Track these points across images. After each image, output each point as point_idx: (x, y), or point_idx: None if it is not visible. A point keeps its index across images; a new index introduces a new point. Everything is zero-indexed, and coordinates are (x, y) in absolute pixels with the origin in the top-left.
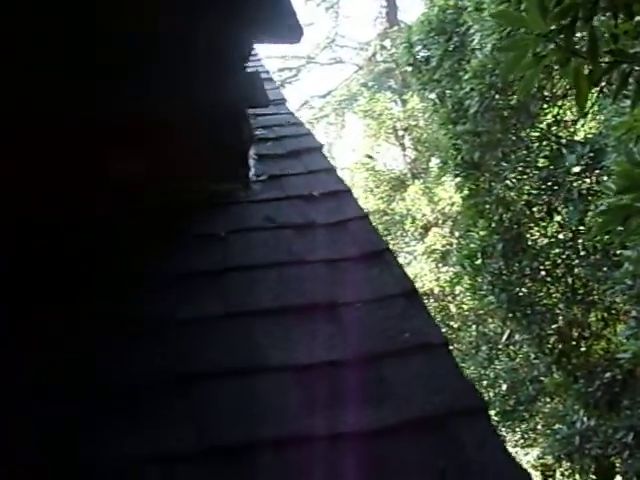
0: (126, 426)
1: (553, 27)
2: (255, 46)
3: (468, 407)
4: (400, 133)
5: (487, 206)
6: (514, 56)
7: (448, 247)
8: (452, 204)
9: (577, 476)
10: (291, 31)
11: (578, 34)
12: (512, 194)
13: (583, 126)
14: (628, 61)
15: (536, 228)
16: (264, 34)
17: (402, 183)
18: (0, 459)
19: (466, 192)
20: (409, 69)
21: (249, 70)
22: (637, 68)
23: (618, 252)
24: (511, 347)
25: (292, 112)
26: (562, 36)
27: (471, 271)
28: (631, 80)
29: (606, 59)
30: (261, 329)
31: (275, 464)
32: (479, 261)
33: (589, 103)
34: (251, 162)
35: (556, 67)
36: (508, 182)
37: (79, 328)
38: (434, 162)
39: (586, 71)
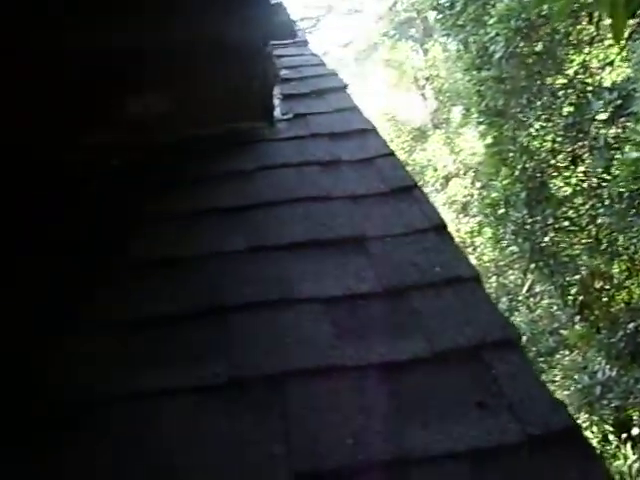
0: (159, 356)
1: None
2: None
3: (500, 339)
4: (421, 83)
5: (510, 154)
6: None
7: (469, 198)
8: (473, 154)
9: (594, 428)
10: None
11: None
12: (536, 142)
13: (610, 73)
14: None
15: (560, 177)
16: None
17: (423, 133)
18: None
19: (489, 140)
20: (432, 14)
21: (272, 1)
22: None
23: None
24: (531, 299)
25: (315, 53)
26: None
27: (493, 220)
28: None
29: None
30: (289, 262)
31: (306, 395)
32: (502, 210)
33: (616, 49)
34: (276, 101)
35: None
36: (532, 130)
37: (110, 265)
38: (455, 112)
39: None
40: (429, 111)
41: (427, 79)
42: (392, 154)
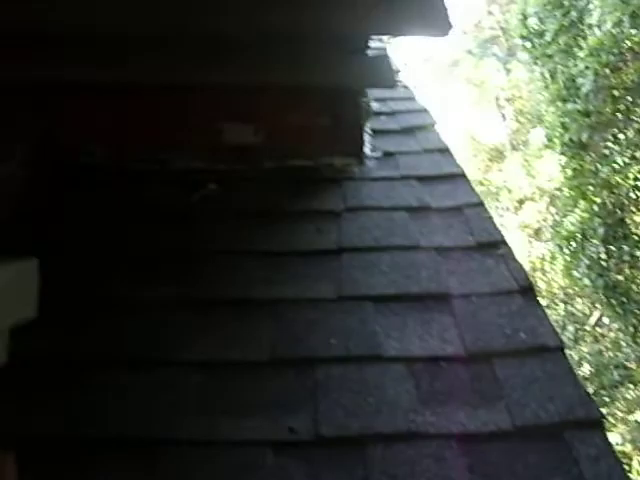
0: (238, 404)
1: None
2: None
3: (584, 418)
4: (502, 103)
5: (590, 188)
6: None
7: (542, 223)
8: (550, 179)
9: None
10: (439, 25)
11: None
12: (618, 177)
13: None
14: None
15: None
16: (409, 28)
17: (500, 154)
18: None
19: (570, 172)
20: (521, 41)
21: (375, 53)
22: None
23: None
24: (598, 329)
25: (406, 85)
26: None
27: (568, 252)
28: None
29: None
30: (375, 316)
31: (386, 460)
32: (577, 243)
33: None
34: (366, 137)
35: None
36: (615, 165)
37: (186, 300)
38: (535, 135)
39: None
40: (508, 132)
41: (508, 99)
42: (481, 204)
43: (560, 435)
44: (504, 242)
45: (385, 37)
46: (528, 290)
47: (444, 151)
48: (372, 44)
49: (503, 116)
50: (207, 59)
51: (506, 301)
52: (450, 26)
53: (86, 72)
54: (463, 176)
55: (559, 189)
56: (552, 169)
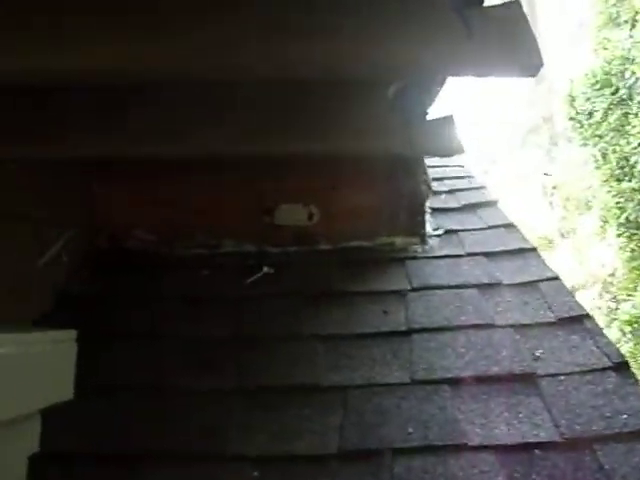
0: None
1: None
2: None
3: None
4: (549, 191)
5: None
6: None
7: (596, 310)
8: (603, 265)
9: None
10: (529, 63)
11: None
12: None
13: None
14: None
15: None
16: (496, 65)
17: (549, 242)
18: None
19: (628, 254)
20: (569, 123)
21: (439, 116)
22: None
23: None
24: None
25: (463, 164)
26: None
27: (632, 337)
28: None
29: None
30: (454, 401)
31: None
32: None
33: None
34: (427, 215)
35: None
36: None
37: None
38: (582, 221)
39: None
40: (556, 219)
41: (554, 187)
42: (557, 278)
43: None
44: (588, 316)
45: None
46: (623, 366)
47: (510, 227)
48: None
49: (551, 204)
50: (256, 130)
51: (600, 380)
52: (542, 62)
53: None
54: (534, 250)
55: (612, 275)
56: (604, 255)
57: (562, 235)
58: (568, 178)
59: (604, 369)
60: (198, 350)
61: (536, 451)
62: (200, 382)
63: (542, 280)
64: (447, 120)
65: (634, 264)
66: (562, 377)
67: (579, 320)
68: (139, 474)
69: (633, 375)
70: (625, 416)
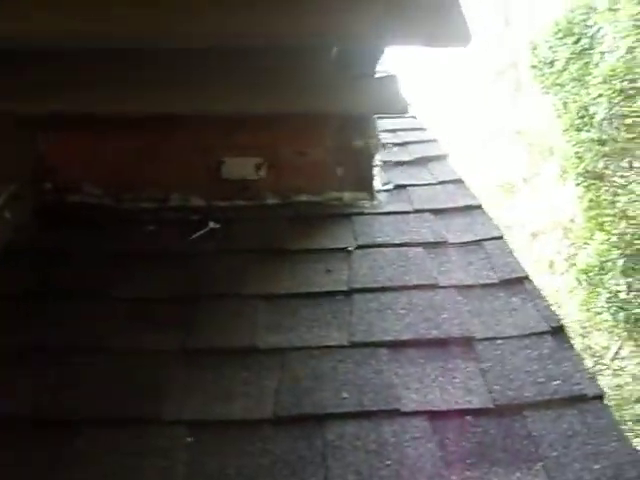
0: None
1: None
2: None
3: (637, 478)
4: (512, 136)
5: (607, 219)
6: None
7: (557, 255)
8: (563, 211)
9: None
10: (459, 35)
11: None
12: (636, 208)
13: None
14: None
15: None
16: (426, 37)
17: (511, 187)
18: None
19: (586, 204)
20: (530, 72)
21: (385, 74)
22: None
23: None
24: (617, 363)
25: (415, 116)
26: None
27: (586, 286)
28: None
29: None
30: (391, 364)
31: None
32: (595, 276)
33: None
34: (376, 170)
35: None
36: (633, 194)
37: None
38: (546, 167)
39: None
40: (519, 165)
41: (518, 132)
42: (501, 237)
43: None
44: (528, 278)
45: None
46: (560, 331)
47: (458, 182)
48: (380, 68)
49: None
50: (206, 88)
51: (536, 344)
52: (470, 36)
53: (83, 104)
54: (480, 207)
55: (572, 221)
56: (565, 201)
57: (525, 180)
58: (531, 124)
59: (541, 333)
60: (141, 309)
61: (468, 417)
62: (142, 343)
63: (487, 239)
64: (391, 79)
65: (591, 213)
66: (500, 341)
67: (520, 282)
68: (74, 438)
69: (569, 340)
70: (557, 382)
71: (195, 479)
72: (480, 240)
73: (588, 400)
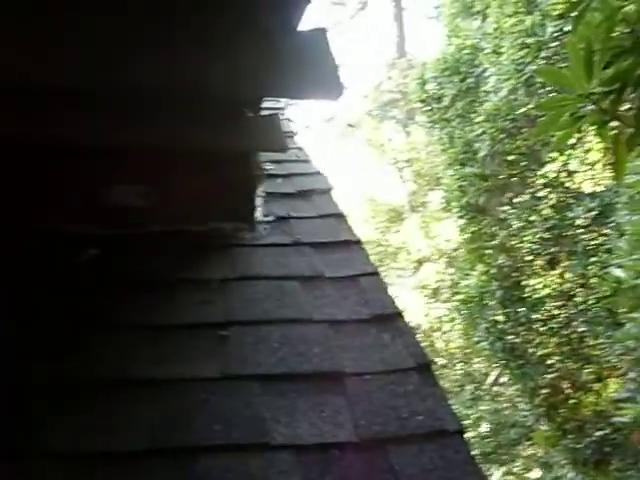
0: None
1: (597, 89)
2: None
3: None
4: (401, 165)
5: (488, 251)
6: (552, 115)
7: (441, 283)
8: (448, 241)
9: None
10: (331, 90)
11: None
12: (515, 241)
13: (592, 178)
14: None
15: (537, 278)
16: (301, 91)
17: (399, 215)
18: None
19: (468, 236)
20: (420, 105)
21: (266, 113)
22: None
23: (620, 311)
24: (495, 389)
25: (302, 147)
26: (610, 100)
27: (466, 316)
28: None
29: None
30: (263, 398)
31: None
32: (475, 306)
33: (596, 156)
34: (258, 201)
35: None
36: (512, 229)
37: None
38: (433, 196)
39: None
40: (407, 193)
41: (407, 161)
42: (376, 273)
43: None
44: (400, 315)
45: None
46: (425, 368)
47: (340, 217)
48: (268, 105)
49: (402, 178)
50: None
51: (402, 380)
52: (342, 90)
53: None
54: (358, 243)
55: (456, 250)
56: (450, 231)
57: (412, 209)
58: (420, 154)
59: (408, 370)
60: (10, 340)
61: (334, 451)
62: (8, 373)
63: (363, 275)
64: (273, 118)
65: (473, 245)
66: (368, 376)
67: (391, 318)
68: None
69: (434, 377)
70: (420, 417)
71: None
72: (356, 275)
73: (448, 435)
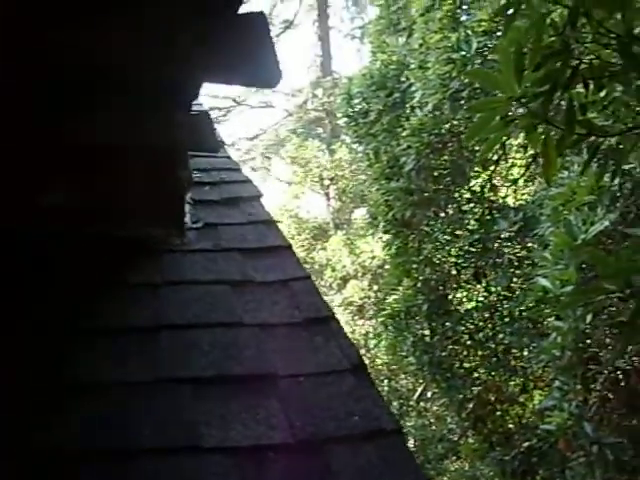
0: None
1: (528, 91)
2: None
3: None
4: (326, 182)
5: (414, 265)
6: (483, 117)
7: (366, 300)
8: (373, 257)
9: None
10: (269, 76)
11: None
12: (440, 255)
13: (515, 192)
14: (597, 134)
15: (462, 291)
16: (240, 78)
17: (324, 233)
18: None
19: (394, 250)
20: (345, 121)
21: (197, 111)
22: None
23: (546, 322)
24: (422, 404)
25: (229, 156)
26: (539, 102)
27: (392, 330)
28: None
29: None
30: (194, 401)
31: None
32: (402, 320)
33: (519, 171)
34: (186, 207)
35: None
36: (438, 242)
37: None
38: (357, 214)
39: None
40: (331, 211)
41: (332, 179)
42: (308, 277)
43: None
44: (333, 318)
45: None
46: (360, 369)
47: (269, 223)
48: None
49: (327, 195)
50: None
51: (337, 381)
52: (280, 77)
53: None
54: (289, 248)
55: (381, 267)
56: (375, 247)
57: (336, 226)
58: (345, 172)
59: (342, 371)
60: None
61: (269, 453)
62: None
63: (294, 279)
64: (206, 116)
65: (399, 260)
66: (301, 378)
67: (324, 321)
68: None
69: (369, 378)
70: (357, 418)
71: None
72: (287, 280)
73: (386, 434)
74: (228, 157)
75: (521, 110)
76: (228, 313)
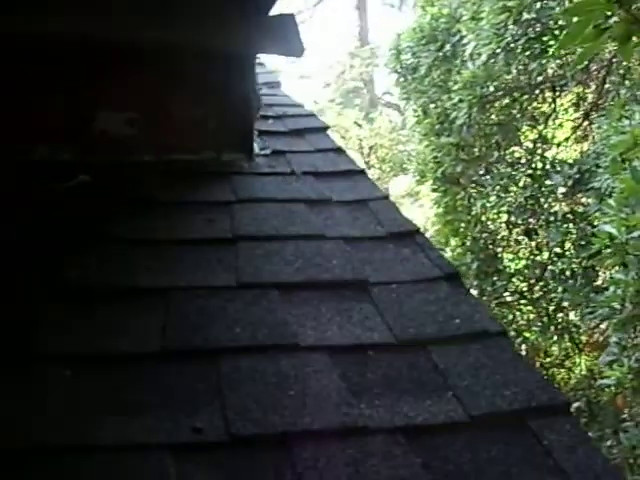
0: (126, 403)
1: None
2: None
3: (548, 404)
4: (365, 151)
5: (462, 224)
6: (579, 22)
7: None
8: (420, 216)
9: None
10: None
11: None
12: (491, 214)
13: (567, 148)
14: None
15: (512, 249)
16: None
17: None
18: None
19: (442, 209)
20: (394, 76)
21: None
22: None
23: (601, 276)
24: None
25: (288, 95)
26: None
27: None
28: None
29: None
30: (283, 304)
31: (319, 460)
32: None
33: (570, 127)
34: (254, 136)
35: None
36: (488, 200)
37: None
38: (397, 182)
39: None
40: (372, 179)
41: (371, 148)
42: (387, 197)
43: (525, 424)
44: (418, 232)
45: None
46: (454, 277)
47: (339, 151)
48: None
49: (367, 164)
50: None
51: (432, 288)
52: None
53: None
54: (362, 172)
55: (425, 231)
56: (416, 216)
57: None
58: (384, 140)
59: (435, 279)
60: (12, 254)
61: (370, 352)
62: (11, 284)
63: (372, 199)
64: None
65: (448, 218)
66: (394, 285)
67: (410, 235)
68: None
69: (463, 285)
70: (458, 320)
71: (72, 413)
72: (365, 199)
73: (491, 336)
74: (287, 95)
75: (615, 19)
76: (308, 227)
